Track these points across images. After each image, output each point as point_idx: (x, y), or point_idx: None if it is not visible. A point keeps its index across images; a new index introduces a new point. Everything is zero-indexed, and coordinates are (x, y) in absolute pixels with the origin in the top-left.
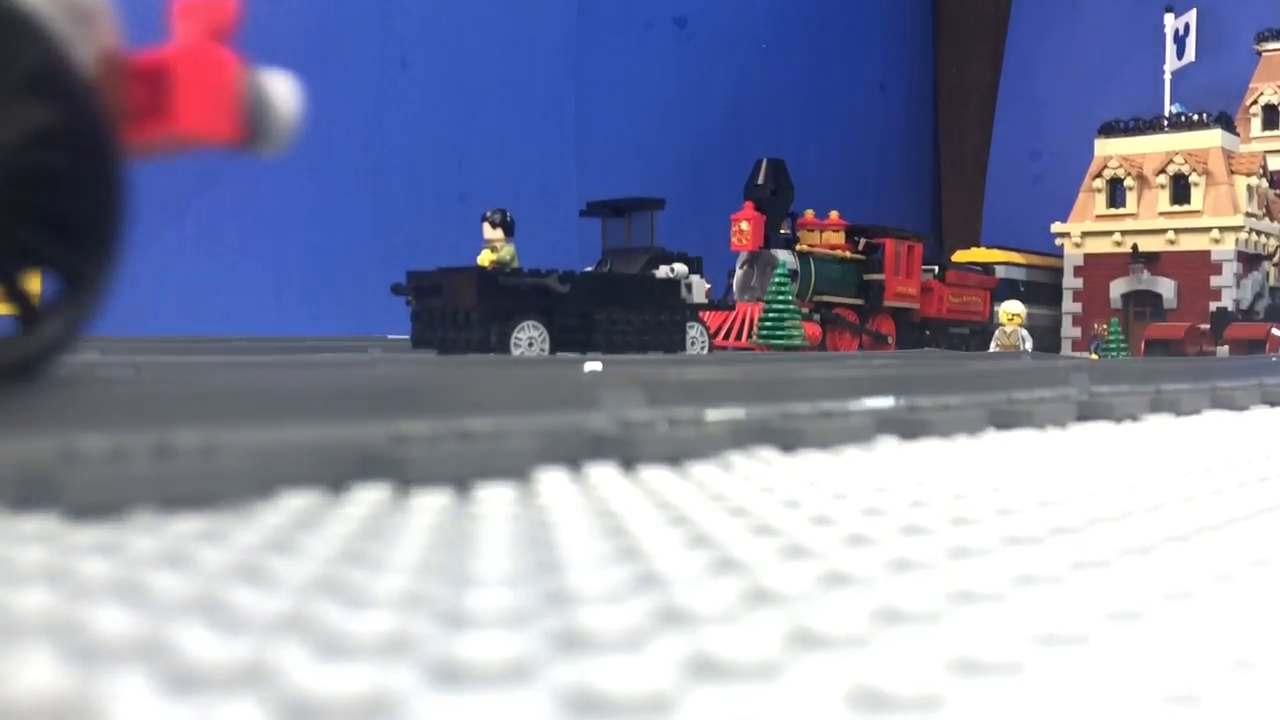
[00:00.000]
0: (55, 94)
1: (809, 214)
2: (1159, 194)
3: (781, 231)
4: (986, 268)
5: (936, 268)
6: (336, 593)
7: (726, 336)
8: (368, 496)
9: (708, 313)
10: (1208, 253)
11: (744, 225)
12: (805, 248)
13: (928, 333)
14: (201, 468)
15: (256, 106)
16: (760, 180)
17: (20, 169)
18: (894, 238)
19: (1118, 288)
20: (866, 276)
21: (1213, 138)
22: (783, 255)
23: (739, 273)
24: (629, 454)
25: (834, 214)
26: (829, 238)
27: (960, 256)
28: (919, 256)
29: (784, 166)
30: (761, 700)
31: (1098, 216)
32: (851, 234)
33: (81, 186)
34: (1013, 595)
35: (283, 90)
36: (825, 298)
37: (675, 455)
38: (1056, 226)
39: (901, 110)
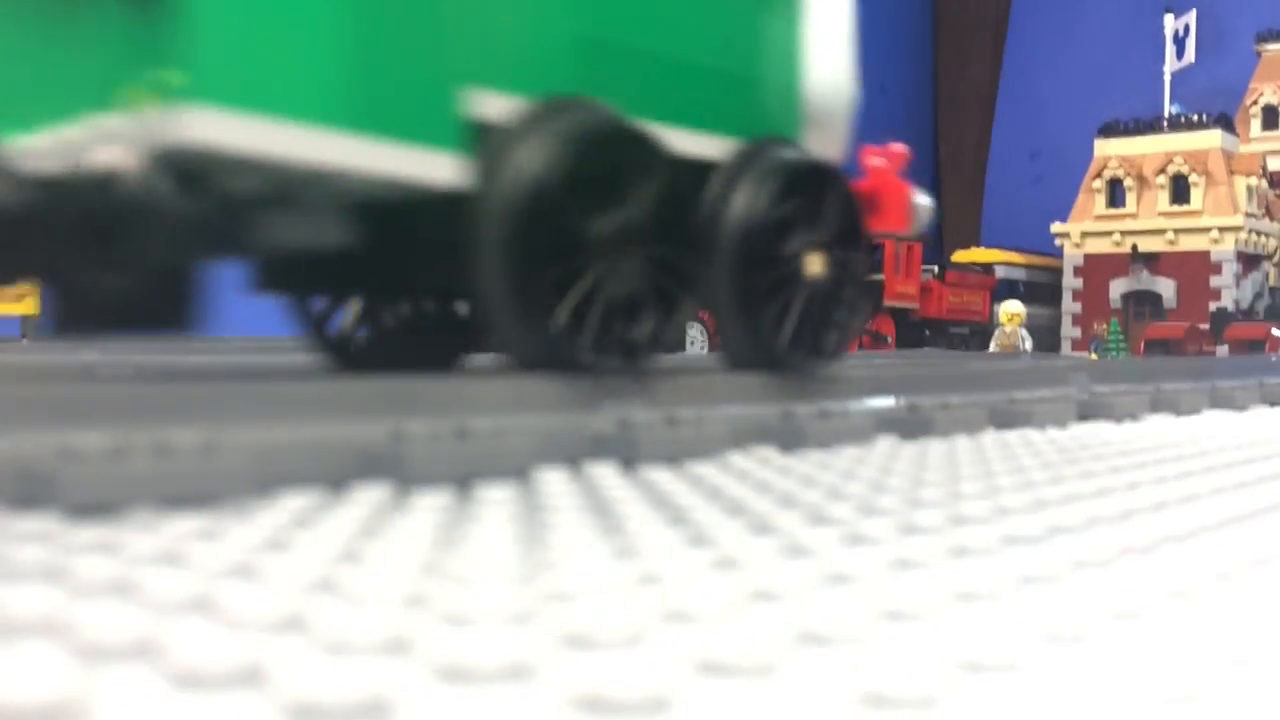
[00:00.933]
0: (849, 211)
1: None
2: (1158, 194)
3: None
4: (986, 268)
5: (936, 268)
6: (336, 592)
7: None
8: (368, 496)
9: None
10: (1207, 253)
11: None
12: None
13: (927, 332)
14: (201, 466)
15: (914, 210)
16: None
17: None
18: (893, 238)
19: (1117, 288)
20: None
21: (1212, 138)
22: None
23: None
24: (629, 453)
25: None
26: None
27: (960, 256)
28: (918, 256)
29: None
30: (761, 699)
31: (1097, 216)
32: None
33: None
34: (1012, 595)
35: (924, 199)
36: None
37: (675, 455)
38: (1056, 226)
39: (902, 111)
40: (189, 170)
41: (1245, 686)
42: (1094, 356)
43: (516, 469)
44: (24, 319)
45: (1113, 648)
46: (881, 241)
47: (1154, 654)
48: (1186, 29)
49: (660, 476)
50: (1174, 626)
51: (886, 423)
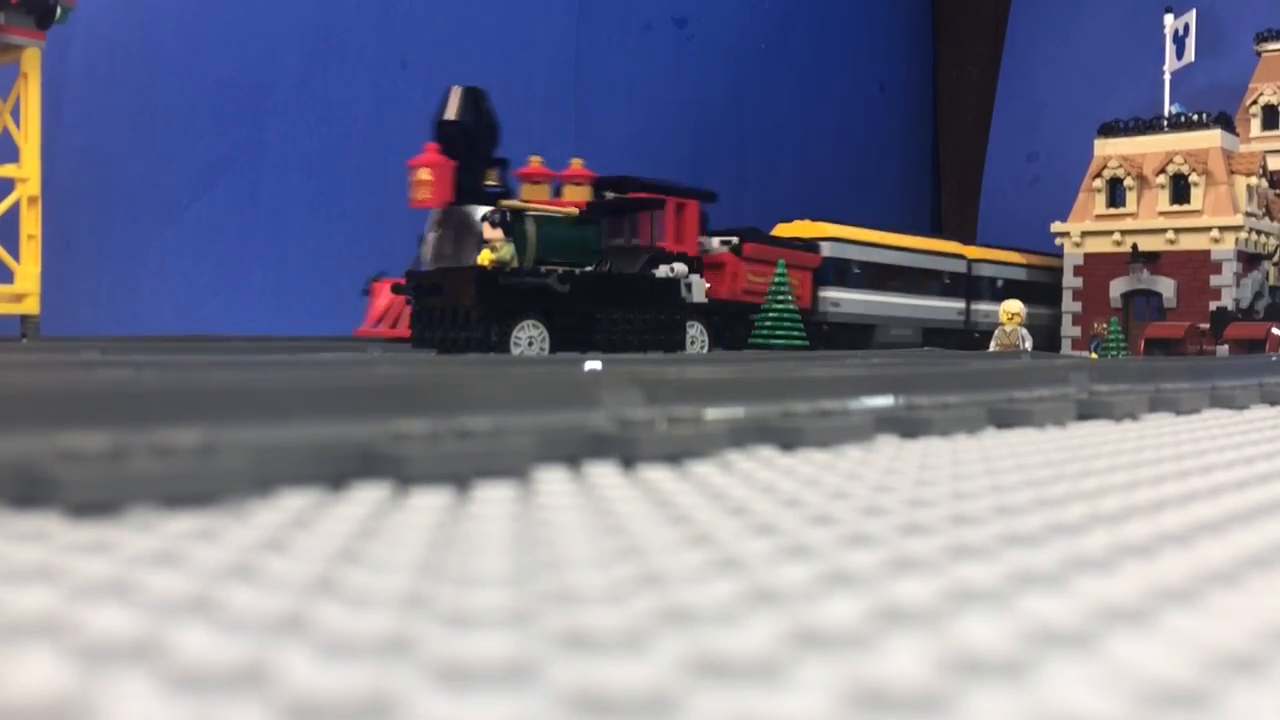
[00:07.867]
0: None
1: (534, 161)
2: (1159, 194)
3: (487, 183)
4: (809, 243)
5: (735, 239)
6: (336, 592)
7: (379, 323)
8: (367, 495)
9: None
10: (1207, 252)
11: (423, 174)
12: (521, 203)
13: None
14: (200, 466)
15: None
16: (450, 114)
17: None
18: (656, 193)
19: (1117, 287)
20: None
21: (1212, 138)
22: (482, 211)
23: (430, 236)
24: (628, 453)
25: (577, 162)
26: (570, 193)
27: (782, 230)
28: (693, 218)
29: (485, 96)
30: (763, 699)
31: (1097, 216)
32: (601, 188)
33: None
34: (1012, 595)
35: None
36: (555, 268)
37: (675, 454)
38: (1056, 226)
39: (901, 110)
40: None
41: (1247, 688)
42: (1094, 356)
43: (516, 469)
44: (24, 319)
45: (1113, 648)
46: (635, 197)
47: (1155, 654)
48: (1186, 28)
49: (660, 475)
50: (1175, 626)
51: (886, 422)
